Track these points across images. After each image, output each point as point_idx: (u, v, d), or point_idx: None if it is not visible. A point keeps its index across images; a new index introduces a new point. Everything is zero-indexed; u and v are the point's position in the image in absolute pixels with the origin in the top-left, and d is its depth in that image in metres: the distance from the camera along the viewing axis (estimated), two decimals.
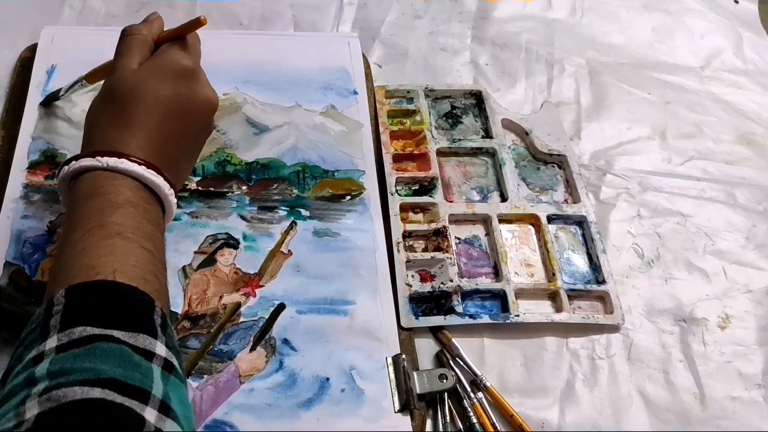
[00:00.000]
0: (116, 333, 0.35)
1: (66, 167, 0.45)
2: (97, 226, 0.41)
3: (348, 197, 0.62)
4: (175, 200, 0.47)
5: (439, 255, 0.60)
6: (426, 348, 0.56)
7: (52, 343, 0.35)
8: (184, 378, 0.38)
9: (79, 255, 0.40)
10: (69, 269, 0.39)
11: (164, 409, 0.34)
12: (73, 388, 0.32)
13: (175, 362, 0.38)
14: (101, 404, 0.32)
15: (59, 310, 0.37)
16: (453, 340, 0.56)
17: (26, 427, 0.31)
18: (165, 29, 0.52)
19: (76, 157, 0.45)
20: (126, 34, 0.50)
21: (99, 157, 0.44)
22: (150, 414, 0.33)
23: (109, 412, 0.32)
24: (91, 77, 0.58)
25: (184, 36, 0.49)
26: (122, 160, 0.44)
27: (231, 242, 0.58)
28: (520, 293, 0.59)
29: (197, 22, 0.48)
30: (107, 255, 0.40)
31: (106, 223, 0.41)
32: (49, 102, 0.62)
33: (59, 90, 0.61)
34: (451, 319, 0.57)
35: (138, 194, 0.44)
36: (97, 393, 0.32)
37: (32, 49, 0.67)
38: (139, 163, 0.44)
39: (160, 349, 0.37)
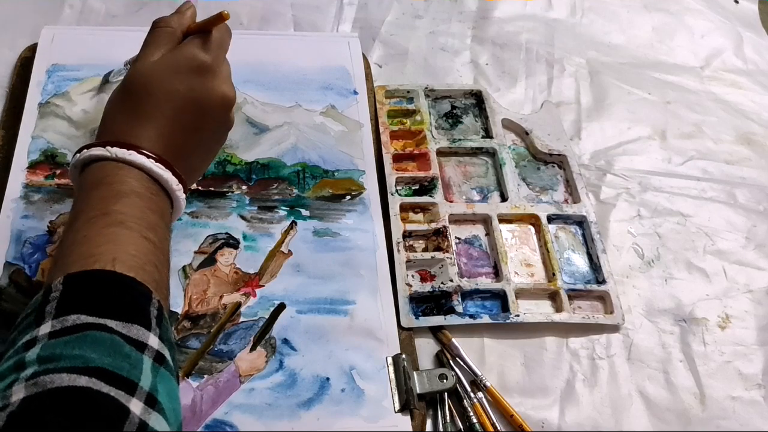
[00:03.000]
0: (110, 322, 0.36)
1: (78, 155, 0.45)
2: (100, 215, 0.41)
3: (348, 197, 0.62)
4: (184, 196, 0.47)
5: (439, 255, 0.60)
6: (426, 348, 0.56)
7: (45, 329, 0.35)
8: (175, 371, 0.38)
9: (80, 242, 0.40)
10: (69, 256, 0.40)
11: (151, 401, 0.34)
12: (61, 374, 0.32)
13: (168, 355, 0.38)
14: (86, 393, 0.32)
15: (56, 297, 0.37)
16: (453, 340, 0.56)
17: (11, 410, 0.31)
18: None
19: (88, 146, 0.45)
20: (154, 26, 0.49)
21: (109, 147, 0.44)
22: (135, 405, 0.33)
23: (94, 401, 0.32)
24: None
25: (208, 30, 0.48)
26: (131, 152, 0.44)
27: (231, 242, 0.58)
28: (520, 293, 0.59)
29: (220, 17, 0.48)
30: (107, 243, 0.40)
31: (109, 211, 0.41)
32: (104, 84, 0.64)
33: (110, 72, 0.63)
34: (451, 319, 0.57)
35: (144, 185, 0.44)
36: (83, 381, 0.32)
37: (32, 49, 0.67)
38: (148, 156, 0.44)
39: (153, 341, 0.37)
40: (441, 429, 0.52)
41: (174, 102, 0.46)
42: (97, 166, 0.44)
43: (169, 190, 0.45)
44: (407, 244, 0.61)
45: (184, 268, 0.56)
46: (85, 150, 0.45)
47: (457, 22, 0.79)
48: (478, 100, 0.71)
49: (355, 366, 0.53)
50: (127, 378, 0.34)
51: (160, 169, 0.44)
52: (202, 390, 0.50)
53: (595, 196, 0.67)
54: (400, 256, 0.59)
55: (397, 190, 0.63)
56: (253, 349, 0.53)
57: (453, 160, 0.67)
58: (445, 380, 0.53)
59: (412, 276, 0.59)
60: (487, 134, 0.69)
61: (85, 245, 0.40)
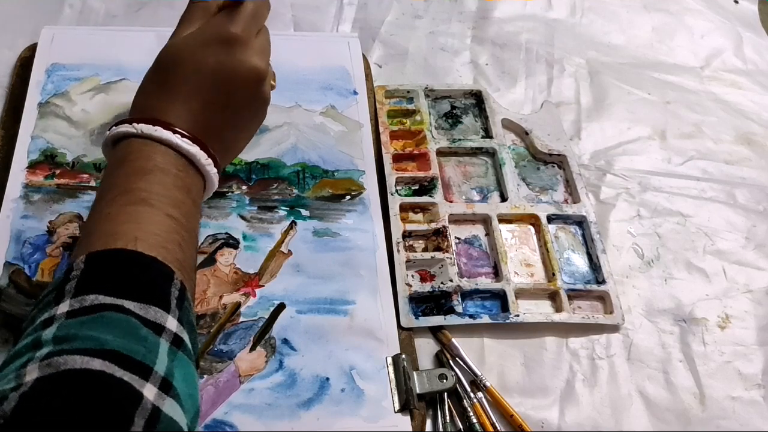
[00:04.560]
0: (127, 303, 0.35)
1: (108, 133, 0.45)
2: (123, 192, 0.41)
3: (348, 197, 0.62)
4: (215, 171, 0.46)
5: (439, 255, 0.60)
6: (426, 348, 0.56)
7: (63, 308, 0.35)
8: (193, 355, 0.38)
9: (103, 220, 0.40)
10: (92, 234, 0.40)
11: (165, 386, 0.34)
12: (74, 356, 0.32)
13: (186, 338, 0.37)
14: (100, 376, 0.32)
15: (76, 276, 0.36)
16: (453, 340, 0.56)
17: (23, 390, 0.31)
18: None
19: (118, 123, 0.45)
20: (190, 2, 0.49)
21: (135, 124, 0.43)
22: (149, 391, 0.33)
23: (106, 385, 0.32)
24: None
25: (239, 2, 0.47)
26: (156, 127, 0.43)
27: (231, 242, 0.58)
28: (520, 293, 0.59)
29: None
30: (129, 222, 0.40)
31: (133, 189, 0.41)
32: None
33: None
34: (451, 319, 0.57)
35: (169, 161, 0.43)
36: (97, 364, 0.32)
37: (32, 49, 0.67)
38: (174, 131, 0.43)
39: (171, 323, 0.36)
40: (441, 429, 0.52)
41: (201, 76, 0.45)
42: (124, 143, 0.44)
43: (198, 165, 0.45)
44: (407, 244, 0.61)
45: None
46: (114, 127, 0.44)
47: (457, 22, 0.79)
48: (477, 100, 0.71)
49: (355, 366, 0.53)
50: (142, 362, 0.33)
51: (186, 143, 0.44)
52: (201, 390, 0.50)
53: (595, 196, 0.67)
54: (400, 256, 0.59)
55: (396, 190, 0.63)
56: (252, 349, 0.53)
57: (453, 160, 0.67)
58: (444, 380, 0.53)
59: (412, 276, 0.59)
60: (487, 134, 0.69)
61: (107, 223, 0.40)
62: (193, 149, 0.44)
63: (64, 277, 0.37)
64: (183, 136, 0.44)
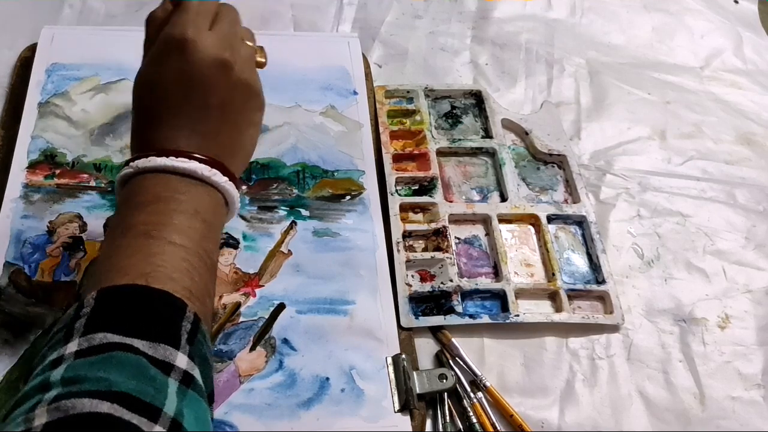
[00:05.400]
0: (136, 342, 0.35)
1: (116, 180, 0.45)
2: (126, 229, 0.41)
3: (348, 197, 0.62)
4: (226, 179, 0.44)
5: (438, 255, 0.60)
6: (426, 348, 0.56)
7: (72, 347, 0.34)
8: (204, 391, 0.37)
9: (111, 256, 0.40)
10: (101, 271, 0.40)
11: (175, 427, 0.33)
12: (83, 399, 0.32)
13: (197, 374, 0.36)
14: (108, 420, 0.31)
15: (86, 313, 0.36)
16: (453, 340, 0.56)
17: None
18: None
19: (121, 167, 0.44)
20: (146, 23, 0.47)
21: (131, 163, 0.43)
22: None
23: (115, 429, 0.32)
24: None
25: (179, 2, 0.45)
26: (150, 158, 0.42)
27: (231, 242, 0.58)
28: (520, 293, 0.59)
29: None
30: (134, 255, 0.39)
31: (135, 222, 0.41)
32: None
33: None
34: (451, 319, 0.57)
35: (169, 187, 0.42)
36: (105, 407, 0.32)
37: (32, 49, 0.67)
38: (168, 155, 0.42)
39: (181, 360, 0.36)
40: (441, 429, 0.52)
41: (173, 93, 0.44)
42: (129, 183, 0.44)
43: (205, 179, 0.43)
44: (407, 244, 0.61)
45: None
46: (119, 174, 0.44)
47: (457, 22, 0.79)
48: (477, 100, 0.71)
49: (354, 366, 0.53)
50: (151, 404, 0.33)
51: (180, 162, 0.42)
52: None
53: (595, 196, 0.67)
54: (400, 256, 0.59)
55: (396, 190, 0.63)
56: (252, 349, 0.53)
57: (453, 160, 0.67)
58: (444, 380, 0.53)
59: (412, 276, 0.59)
60: (487, 134, 0.69)
61: (114, 259, 0.40)
62: (191, 165, 0.43)
63: (74, 314, 0.37)
64: (178, 156, 0.43)
